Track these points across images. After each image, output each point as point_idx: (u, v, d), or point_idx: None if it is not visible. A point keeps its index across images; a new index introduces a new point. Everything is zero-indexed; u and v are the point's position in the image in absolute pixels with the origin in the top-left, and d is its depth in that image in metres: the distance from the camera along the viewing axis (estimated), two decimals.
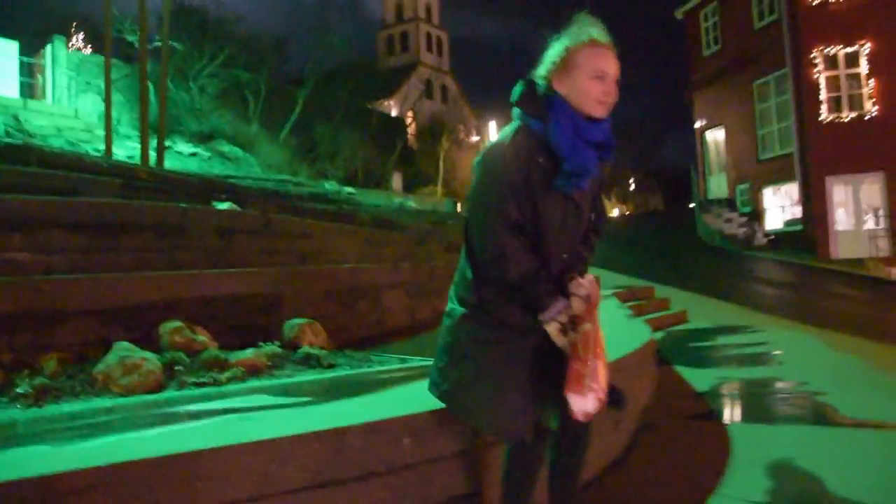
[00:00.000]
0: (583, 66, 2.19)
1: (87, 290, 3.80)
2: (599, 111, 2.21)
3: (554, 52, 2.26)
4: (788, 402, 5.39)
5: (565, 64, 2.22)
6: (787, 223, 22.13)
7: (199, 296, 4.24)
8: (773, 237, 21.99)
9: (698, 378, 6.38)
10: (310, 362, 3.89)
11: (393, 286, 6.21)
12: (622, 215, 50.72)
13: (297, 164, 27.26)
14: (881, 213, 19.54)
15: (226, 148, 22.52)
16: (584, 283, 2.20)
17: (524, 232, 2.21)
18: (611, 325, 5.84)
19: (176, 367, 3.37)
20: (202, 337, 3.81)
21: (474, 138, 47.78)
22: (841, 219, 20.36)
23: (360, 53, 50.77)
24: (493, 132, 42.67)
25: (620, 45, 2.28)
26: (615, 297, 9.58)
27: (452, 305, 2.39)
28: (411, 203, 30.75)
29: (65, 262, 4.46)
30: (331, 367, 3.88)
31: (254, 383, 3.36)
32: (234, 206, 8.02)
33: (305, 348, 4.03)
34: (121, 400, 2.95)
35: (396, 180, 38.48)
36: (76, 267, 4.45)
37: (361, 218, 13.66)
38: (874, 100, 19.49)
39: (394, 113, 46.01)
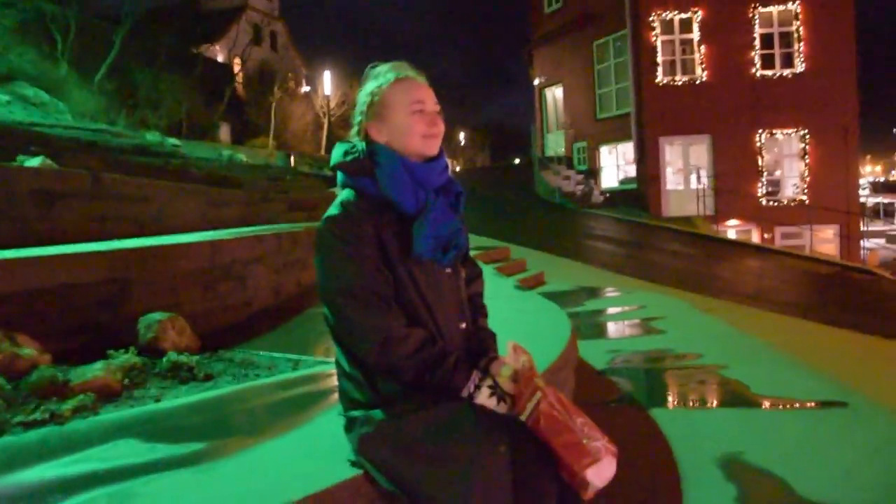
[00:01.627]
0: (398, 103, 1.90)
1: None
2: (429, 147, 1.91)
3: (362, 99, 1.95)
4: (699, 380, 5.20)
5: (377, 107, 1.92)
6: (622, 181, 22.93)
7: (19, 289, 3.19)
8: (608, 195, 22.70)
9: (589, 351, 6.09)
10: (180, 374, 3.01)
11: (257, 260, 5.37)
12: (453, 171, 50.68)
13: (114, 112, 24.44)
14: (707, 173, 20.64)
15: (29, 91, 19.61)
16: (506, 361, 1.82)
17: (401, 307, 1.83)
18: (516, 307, 5.36)
19: None
20: (28, 349, 2.81)
21: (305, 88, 45.79)
22: (671, 178, 21.35)
23: None
24: (327, 83, 40.78)
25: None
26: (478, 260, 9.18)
27: (351, 415, 1.87)
28: (241, 156, 28.72)
29: None
30: (208, 378, 3.04)
31: (111, 415, 2.47)
32: (50, 163, 6.69)
33: (171, 354, 3.13)
34: None
35: (224, 131, 36.03)
36: None
37: (196, 175, 12.36)
38: (704, 65, 20.40)
39: (220, 59, 42.95)
